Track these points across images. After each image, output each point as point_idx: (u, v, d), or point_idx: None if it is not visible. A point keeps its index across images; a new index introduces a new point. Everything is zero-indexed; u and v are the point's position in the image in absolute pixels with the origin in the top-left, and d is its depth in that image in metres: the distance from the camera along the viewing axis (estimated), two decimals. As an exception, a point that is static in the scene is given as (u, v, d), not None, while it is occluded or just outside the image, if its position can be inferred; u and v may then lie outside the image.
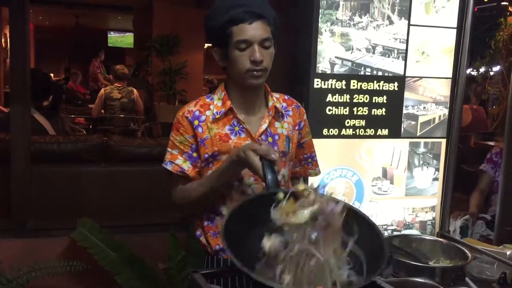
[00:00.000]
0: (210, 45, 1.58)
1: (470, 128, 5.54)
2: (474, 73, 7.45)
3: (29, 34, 2.68)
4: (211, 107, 1.55)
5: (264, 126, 1.55)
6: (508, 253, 1.76)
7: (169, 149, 1.58)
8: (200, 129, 1.53)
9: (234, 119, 1.55)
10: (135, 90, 5.87)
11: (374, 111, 2.45)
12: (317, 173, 1.77)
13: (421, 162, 2.57)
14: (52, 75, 11.89)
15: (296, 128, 1.65)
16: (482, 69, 7.19)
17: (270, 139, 1.57)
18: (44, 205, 2.76)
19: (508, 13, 6.25)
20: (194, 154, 1.55)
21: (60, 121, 3.80)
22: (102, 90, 5.84)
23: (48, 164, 2.92)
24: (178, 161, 1.55)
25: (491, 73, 7.05)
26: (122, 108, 5.71)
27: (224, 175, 1.48)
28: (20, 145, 2.61)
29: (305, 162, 1.73)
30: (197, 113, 1.54)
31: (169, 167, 1.56)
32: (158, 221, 2.74)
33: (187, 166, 1.55)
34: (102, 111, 5.75)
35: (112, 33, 14.46)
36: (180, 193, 1.59)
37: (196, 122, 1.53)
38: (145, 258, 2.50)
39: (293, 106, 1.66)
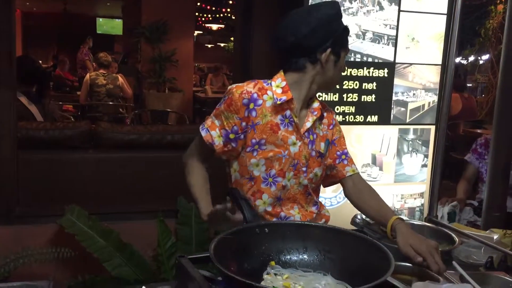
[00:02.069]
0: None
1: (460, 116, 5.57)
2: (464, 61, 7.48)
3: (15, 20, 2.62)
4: (269, 92, 1.57)
5: (308, 124, 1.62)
6: (495, 237, 1.78)
7: (213, 116, 1.59)
8: (254, 113, 1.54)
9: (287, 111, 1.58)
10: (120, 77, 5.82)
11: (364, 98, 2.45)
12: (354, 170, 1.74)
13: (410, 149, 2.58)
14: (40, 62, 11.74)
15: (330, 127, 1.72)
16: (471, 57, 7.22)
17: (311, 137, 1.64)
18: (32, 191, 2.73)
19: (498, 1, 6.26)
20: (231, 136, 1.56)
21: (47, 106, 3.75)
22: (87, 76, 5.79)
23: (35, 150, 2.89)
24: (213, 133, 1.57)
25: (481, 62, 7.09)
26: (108, 94, 5.66)
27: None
28: (6, 131, 2.57)
29: (339, 160, 1.73)
30: (255, 95, 1.55)
31: (203, 133, 1.58)
32: (147, 208, 2.73)
33: (218, 142, 1.57)
34: (89, 98, 5.70)
35: (101, 19, 14.29)
36: (187, 167, 1.65)
37: (251, 105, 1.54)
38: (134, 245, 2.48)
39: (326, 109, 1.73)
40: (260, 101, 1.55)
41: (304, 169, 1.62)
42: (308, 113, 1.64)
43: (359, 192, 1.71)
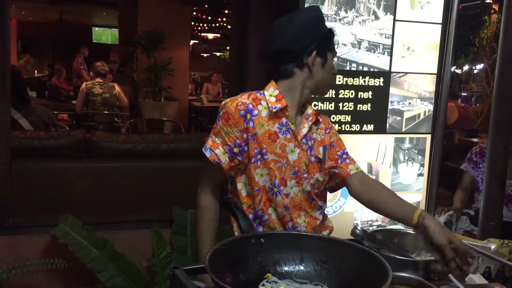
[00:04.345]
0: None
1: (456, 126, 5.59)
2: (458, 70, 7.53)
3: (9, 29, 2.61)
4: (263, 102, 1.58)
5: (304, 131, 1.62)
6: (492, 247, 1.77)
7: (212, 136, 1.58)
8: (251, 123, 1.55)
9: (283, 118, 1.59)
10: (116, 86, 5.81)
11: (360, 107, 2.45)
12: (358, 168, 1.71)
13: (406, 158, 2.58)
14: (35, 71, 11.73)
15: (327, 131, 1.73)
16: (465, 67, 7.26)
17: (309, 143, 1.64)
18: (25, 201, 2.70)
19: (492, 11, 6.31)
20: (235, 150, 1.55)
21: (33, 113, 3.70)
22: (84, 85, 5.76)
23: (29, 160, 2.86)
24: (217, 151, 1.56)
25: (475, 71, 7.13)
26: (104, 103, 5.64)
27: None
28: (0, 140, 2.55)
29: (341, 159, 1.71)
30: (250, 106, 1.56)
31: (207, 153, 1.56)
32: (142, 218, 2.70)
33: (224, 159, 1.56)
34: (85, 107, 5.68)
35: (97, 29, 14.32)
36: (199, 201, 1.63)
37: (248, 116, 1.55)
38: (129, 255, 2.46)
39: (320, 115, 1.74)
40: (255, 112, 1.56)
41: (305, 175, 1.62)
42: (303, 119, 1.65)
43: (370, 188, 1.66)
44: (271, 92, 1.60)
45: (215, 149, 1.56)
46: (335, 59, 2.33)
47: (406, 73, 2.51)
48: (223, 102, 1.59)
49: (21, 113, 3.52)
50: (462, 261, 1.36)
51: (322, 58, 1.59)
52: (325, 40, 1.60)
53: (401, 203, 1.58)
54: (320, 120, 1.71)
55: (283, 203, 1.59)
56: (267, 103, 1.57)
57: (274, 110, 1.56)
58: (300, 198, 1.62)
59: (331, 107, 2.40)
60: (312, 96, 1.69)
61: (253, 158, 1.56)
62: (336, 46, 2.33)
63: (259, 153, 1.55)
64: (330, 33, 1.63)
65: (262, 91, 1.62)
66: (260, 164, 1.56)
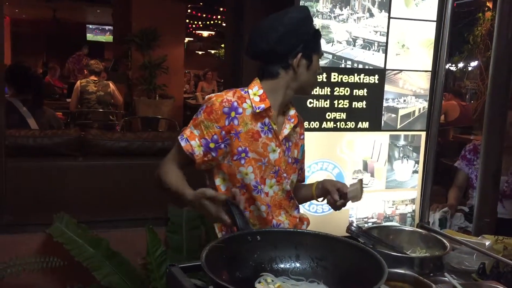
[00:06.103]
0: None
1: (455, 123, 5.63)
2: (453, 68, 7.54)
3: (3, 26, 2.60)
4: (247, 101, 1.57)
5: (285, 132, 1.64)
6: (487, 243, 1.78)
7: (192, 127, 1.57)
8: (236, 121, 1.54)
9: (266, 118, 1.59)
10: (111, 84, 5.79)
11: (355, 104, 2.45)
12: (302, 180, 1.86)
13: (401, 155, 2.58)
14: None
15: (302, 137, 1.76)
16: (460, 64, 7.28)
17: (287, 144, 1.66)
18: (20, 200, 2.69)
19: (486, 8, 6.33)
20: (211, 145, 1.54)
21: (44, 115, 3.70)
22: (78, 83, 5.75)
23: (24, 158, 2.85)
24: (193, 143, 1.55)
25: (469, 68, 7.14)
26: (99, 101, 5.63)
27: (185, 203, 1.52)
28: (-6, 139, 2.54)
29: (301, 171, 1.82)
30: (235, 104, 1.55)
31: (183, 143, 1.55)
32: (136, 216, 2.70)
33: (198, 152, 1.55)
34: (79, 106, 5.66)
35: (91, 26, 14.27)
36: (162, 170, 1.61)
37: (233, 114, 1.54)
38: (124, 254, 2.45)
39: (299, 118, 1.74)
40: (240, 110, 1.56)
41: (285, 175, 1.64)
42: (285, 120, 1.66)
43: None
44: (255, 91, 1.59)
45: (191, 140, 1.55)
46: (330, 56, 2.34)
47: (401, 70, 2.51)
48: (207, 96, 1.60)
49: (31, 113, 3.52)
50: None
51: (307, 60, 1.59)
52: (311, 42, 1.60)
53: (304, 188, 1.79)
54: (298, 124, 1.72)
55: (266, 201, 1.60)
56: (251, 102, 1.57)
57: (257, 111, 1.56)
58: (280, 197, 1.65)
59: (326, 104, 2.40)
60: (299, 95, 1.71)
61: (236, 156, 1.56)
62: (331, 44, 2.35)
63: (243, 151, 1.56)
64: (317, 34, 1.63)
65: (246, 89, 1.61)
66: (244, 162, 1.57)
